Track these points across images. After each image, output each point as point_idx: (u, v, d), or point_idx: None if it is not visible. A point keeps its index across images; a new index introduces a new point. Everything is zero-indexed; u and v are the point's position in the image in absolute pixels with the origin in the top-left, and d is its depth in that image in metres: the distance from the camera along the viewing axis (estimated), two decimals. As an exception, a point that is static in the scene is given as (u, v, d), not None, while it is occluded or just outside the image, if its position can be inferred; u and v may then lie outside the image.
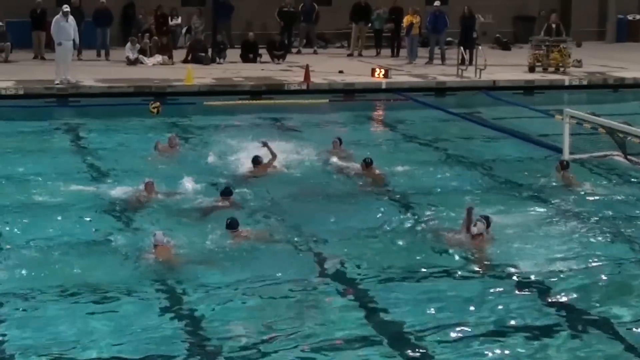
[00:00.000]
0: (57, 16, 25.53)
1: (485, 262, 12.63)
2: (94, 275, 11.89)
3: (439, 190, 16.35)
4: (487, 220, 13.30)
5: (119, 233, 13.66)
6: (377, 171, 16.80)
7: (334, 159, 17.61)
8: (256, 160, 16.96)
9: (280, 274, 12.07)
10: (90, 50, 30.12)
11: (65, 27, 25.24)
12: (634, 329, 10.64)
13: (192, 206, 14.88)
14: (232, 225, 13.26)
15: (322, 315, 10.90)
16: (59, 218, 14.33)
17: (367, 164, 16.75)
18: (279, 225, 14.22)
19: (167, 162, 17.80)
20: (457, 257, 12.74)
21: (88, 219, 14.36)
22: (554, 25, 30.52)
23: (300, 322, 10.65)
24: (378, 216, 14.57)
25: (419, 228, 13.73)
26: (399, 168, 17.51)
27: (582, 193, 16.19)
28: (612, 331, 10.58)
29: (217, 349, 10.02)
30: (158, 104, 18.45)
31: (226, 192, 14.97)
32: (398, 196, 15.88)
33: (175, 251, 12.61)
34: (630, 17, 38.68)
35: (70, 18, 25.37)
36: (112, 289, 11.48)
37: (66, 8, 25.51)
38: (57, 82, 25.13)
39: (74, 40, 25.49)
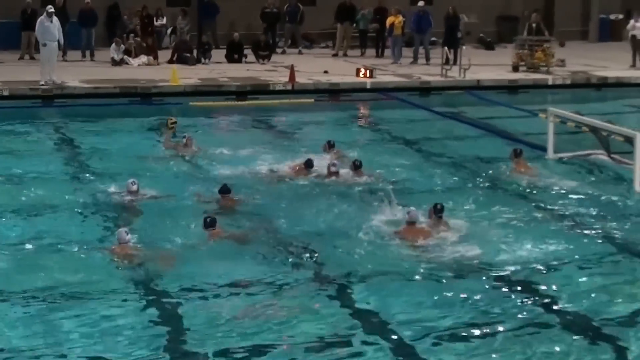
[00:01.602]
0: (42, 17, 25.54)
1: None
2: (71, 275, 11.85)
3: (423, 189, 16.42)
4: (435, 207, 13.69)
5: (100, 234, 13.65)
6: (366, 176, 16.84)
7: (325, 162, 17.59)
8: (310, 164, 16.91)
9: (261, 274, 12.06)
10: (75, 51, 30.14)
11: (50, 27, 25.23)
12: (603, 326, 10.71)
13: (180, 205, 14.95)
14: (209, 222, 13.30)
15: (301, 315, 10.90)
16: (42, 219, 14.34)
17: (357, 166, 16.76)
18: (265, 226, 14.23)
19: (167, 162, 17.96)
20: (433, 256, 12.78)
21: (71, 220, 14.35)
22: (534, 25, 30.74)
23: (278, 322, 10.67)
24: (361, 216, 14.50)
25: (399, 228, 13.74)
26: (384, 167, 17.58)
27: (543, 184, 16.63)
28: (584, 329, 10.63)
29: (177, 347, 10.05)
30: (175, 120, 18.69)
31: (225, 190, 14.96)
32: (382, 195, 15.88)
33: (138, 249, 12.58)
34: (612, 17, 38.91)
35: (55, 19, 25.36)
36: (83, 289, 11.40)
37: (50, 9, 25.51)
38: (42, 83, 25.13)
39: (58, 41, 25.49)
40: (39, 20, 25.70)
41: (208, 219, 13.30)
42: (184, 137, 18.97)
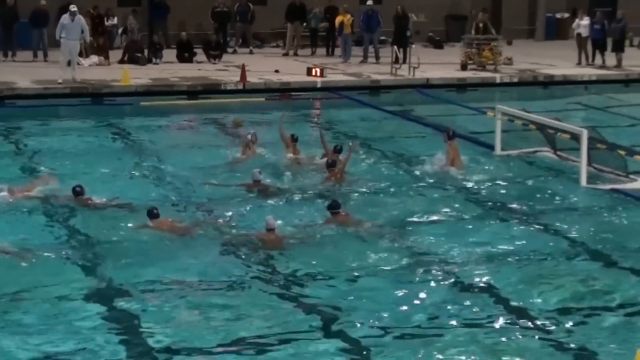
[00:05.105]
0: (65, 15, 25.95)
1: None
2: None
3: (373, 188, 16.57)
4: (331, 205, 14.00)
5: (41, 235, 13.78)
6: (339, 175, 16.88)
7: (289, 156, 17.76)
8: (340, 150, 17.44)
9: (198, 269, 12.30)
10: (26, 52, 29.94)
11: (70, 25, 25.65)
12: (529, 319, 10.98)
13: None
14: (154, 214, 13.52)
15: (253, 312, 11.06)
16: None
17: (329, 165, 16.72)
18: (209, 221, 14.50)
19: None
20: (387, 255, 13.06)
21: (17, 221, 14.41)
22: (481, 25, 31.12)
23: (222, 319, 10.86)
24: (310, 215, 14.75)
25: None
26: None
27: (471, 174, 17.24)
28: (522, 323, 10.87)
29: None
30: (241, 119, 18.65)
31: (77, 191, 14.84)
32: (330, 194, 16.01)
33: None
34: (558, 16, 39.37)
35: (76, 18, 25.86)
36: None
37: (73, 8, 25.95)
38: (60, 81, 25.58)
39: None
40: (62, 18, 26.03)
41: (152, 210, 13.55)
42: (249, 134, 18.62)
